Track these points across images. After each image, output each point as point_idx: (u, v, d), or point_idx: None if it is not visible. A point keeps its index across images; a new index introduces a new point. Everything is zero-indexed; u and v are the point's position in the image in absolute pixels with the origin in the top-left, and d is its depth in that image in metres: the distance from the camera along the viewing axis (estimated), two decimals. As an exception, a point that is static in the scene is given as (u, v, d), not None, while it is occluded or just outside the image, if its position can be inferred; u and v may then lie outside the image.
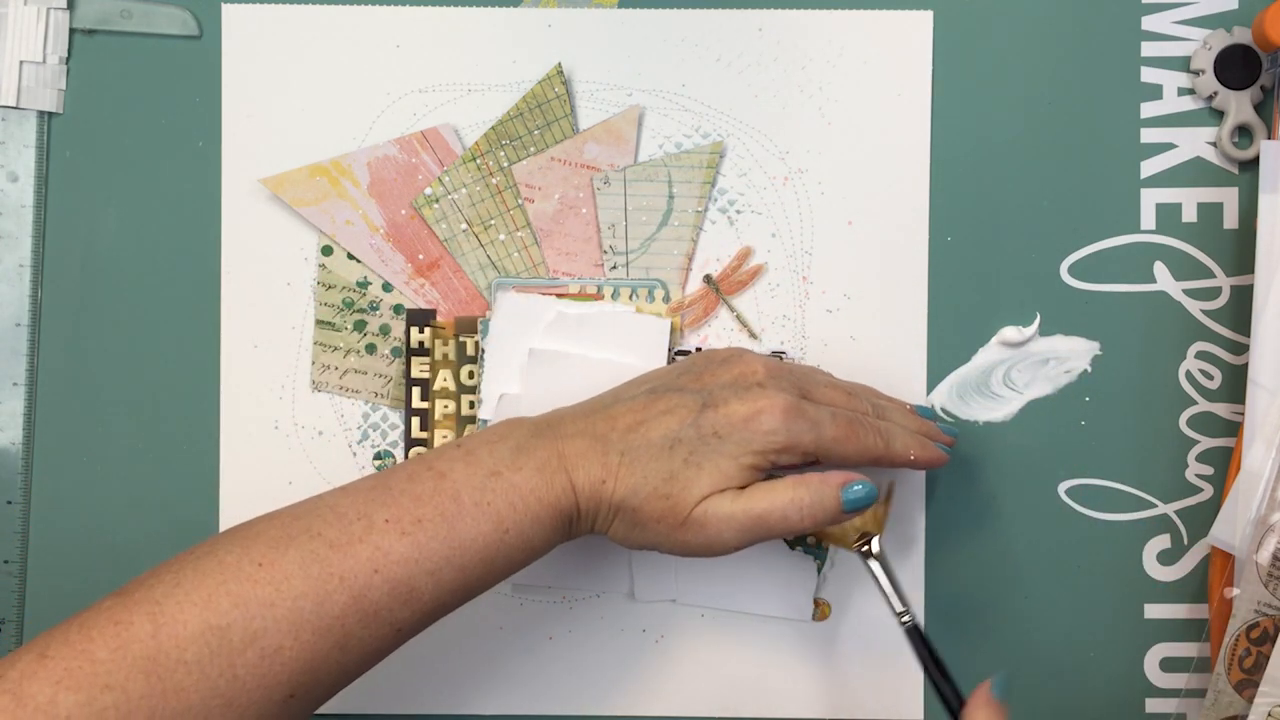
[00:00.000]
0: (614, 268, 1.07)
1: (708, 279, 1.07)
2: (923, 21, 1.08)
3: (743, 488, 0.90)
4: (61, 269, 1.08)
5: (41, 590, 1.08)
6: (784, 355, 1.07)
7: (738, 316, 1.07)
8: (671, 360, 1.06)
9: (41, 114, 1.08)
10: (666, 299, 1.07)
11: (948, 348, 1.08)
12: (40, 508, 1.08)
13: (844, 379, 1.02)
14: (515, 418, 0.93)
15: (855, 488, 0.91)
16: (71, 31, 1.08)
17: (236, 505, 1.07)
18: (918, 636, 0.96)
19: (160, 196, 1.08)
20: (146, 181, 1.08)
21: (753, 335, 1.07)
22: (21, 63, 1.07)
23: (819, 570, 1.07)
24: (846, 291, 1.08)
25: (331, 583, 0.84)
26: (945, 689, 0.94)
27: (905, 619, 0.97)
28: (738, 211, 1.08)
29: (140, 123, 1.08)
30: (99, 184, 1.08)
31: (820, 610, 1.08)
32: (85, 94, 1.08)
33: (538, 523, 0.89)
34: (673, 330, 1.06)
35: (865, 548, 0.98)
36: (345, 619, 0.84)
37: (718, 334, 1.07)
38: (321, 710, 1.07)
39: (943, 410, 1.08)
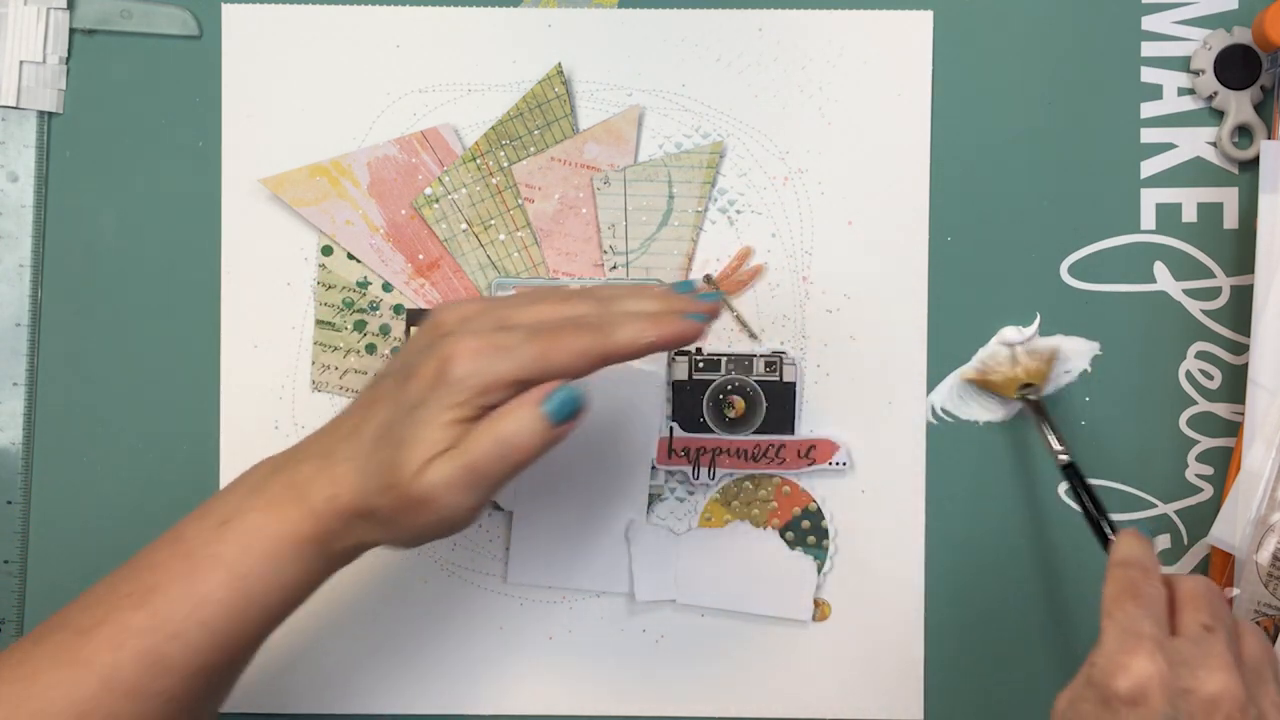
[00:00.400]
0: (614, 268, 1.07)
1: (708, 279, 1.07)
2: (923, 21, 1.08)
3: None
4: (61, 269, 1.08)
5: (41, 590, 1.08)
6: (784, 355, 1.07)
7: (737, 316, 1.07)
8: (671, 360, 1.07)
9: (41, 114, 1.08)
10: (666, 299, 1.07)
11: (948, 348, 1.08)
12: (40, 508, 1.08)
13: (594, 286, 0.97)
14: (267, 457, 0.91)
15: (553, 397, 0.84)
16: (71, 31, 1.08)
17: (236, 505, 1.07)
18: (1073, 473, 1.01)
19: (160, 196, 1.08)
20: (146, 181, 1.08)
21: (753, 335, 1.07)
22: (21, 63, 1.07)
23: (819, 570, 1.08)
24: (846, 291, 1.08)
25: (78, 669, 0.83)
26: (1099, 522, 0.97)
27: (1062, 457, 1.02)
28: (738, 211, 1.08)
29: (140, 123, 1.08)
30: (99, 184, 1.08)
31: (820, 610, 1.08)
32: (85, 94, 1.09)
33: (278, 559, 0.87)
34: (672, 330, 1.06)
35: (1026, 396, 1.06)
36: (100, 700, 0.83)
37: (717, 334, 1.07)
38: (319, 710, 1.08)
39: (943, 410, 1.08)
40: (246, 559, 0.86)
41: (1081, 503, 0.99)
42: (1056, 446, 1.02)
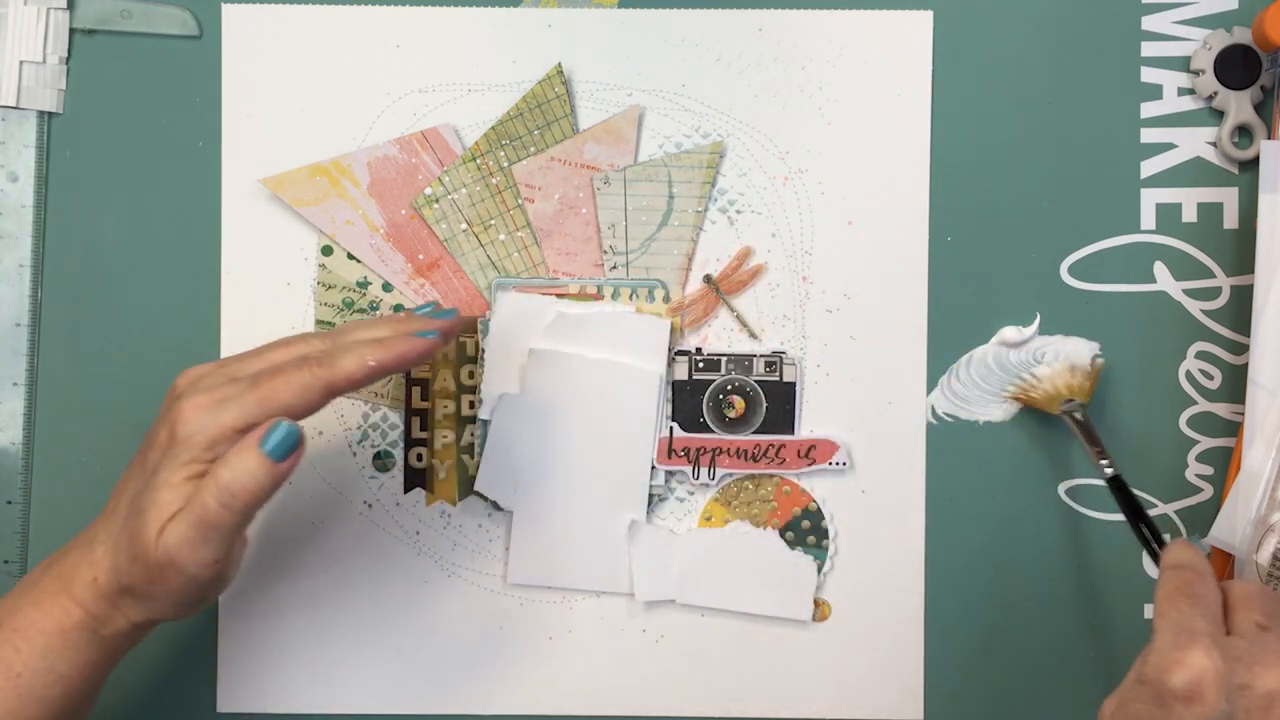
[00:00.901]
0: (614, 268, 1.07)
1: (708, 279, 1.07)
2: (923, 21, 1.08)
3: None
4: (61, 269, 1.08)
5: (41, 590, 1.08)
6: (784, 355, 1.07)
7: (738, 316, 1.07)
8: (671, 360, 1.07)
9: (41, 114, 1.08)
10: (667, 299, 1.07)
11: (948, 348, 1.08)
12: (40, 508, 1.08)
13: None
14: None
15: (269, 436, 0.85)
16: (71, 31, 1.08)
17: (236, 505, 1.07)
18: (1119, 486, 1.01)
19: (160, 196, 1.08)
20: (146, 181, 1.08)
21: (753, 335, 1.07)
22: (21, 63, 1.07)
23: (819, 570, 1.08)
24: (846, 291, 1.08)
25: None
26: (1146, 533, 0.98)
27: (1107, 470, 1.01)
28: (738, 211, 1.08)
29: (140, 123, 1.08)
30: (99, 184, 1.08)
31: (820, 610, 1.08)
32: (85, 94, 1.09)
33: (50, 652, 0.87)
34: (673, 330, 1.07)
35: (1071, 413, 1.05)
36: None
37: (718, 334, 1.07)
38: (319, 710, 1.07)
39: (944, 413, 1.08)
40: (20, 657, 0.87)
41: (1129, 516, 0.99)
42: (1101, 460, 1.02)
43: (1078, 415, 1.04)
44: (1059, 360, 1.07)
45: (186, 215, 1.08)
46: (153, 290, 1.08)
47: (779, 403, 1.07)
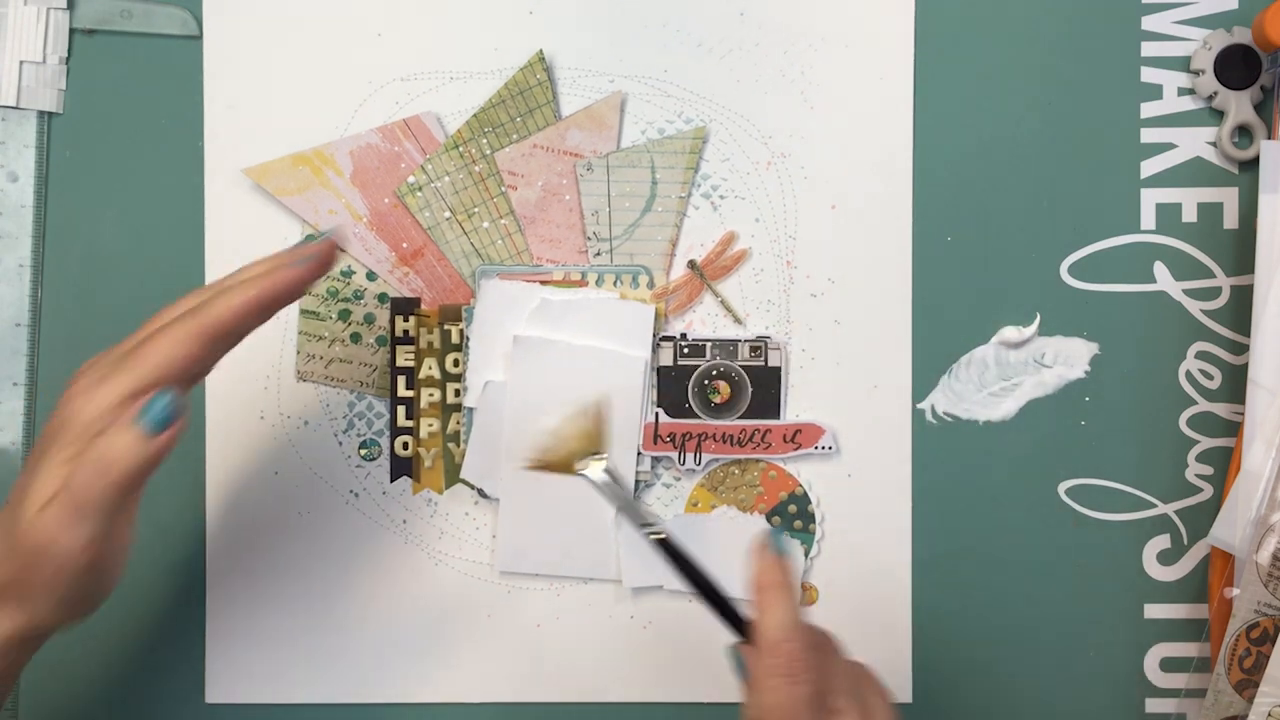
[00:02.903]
0: (598, 254, 1.07)
1: (692, 265, 1.07)
2: (904, 5, 1.08)
3: None
4: (61, 269, 1.09)
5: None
6: (768, 340, 1.07)
7: (722, 302, 1.07)
8: (656, 346, 1.07)
9: (41, 114, 1.09)
10: (651, 285, 1.07)
11: (947, 348, 1.08)
12: (36, 504, 1.09)
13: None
14: None
15: (146, 409, 0.81)
16: (71, 31, 1.09)
17: (223, 498, 1.08)
18: (669, 549, 0.91)
19: (160, 196, 1.09)
20: (146, 181, 1.09)
21: (737, 320, 1.07)
22: (21, 63, 1.08)
23: (806, 555, 1.07)
24: (831, 276, 1.08)
25: None
26: (708, 594, 0.91)
27: (656, 534, 0.91)
28: (721, 197, 1.08)
29: (140, 123, 1.10)
30: (99, 184, 1.09)
31: (808, 595, 1.07)
32: (85, 94, 1.10)
33: None
34: (657, 316, 1.07)
35: (592, 470, 0.94)
36: None
37: (702, 319, 1.07)
38: (307, 700, 1.07)
39: (945, 412, 1.08)
40: None
41: (684, 578, 0.92)
42: (644, 526, 0.93)
43: (608, 469, 0.95)
44: (567, 410, 0.97)
45: (186, 215, 1.09)
46: (153, 290, 1.09)
47: (764, 388, 1.07)
